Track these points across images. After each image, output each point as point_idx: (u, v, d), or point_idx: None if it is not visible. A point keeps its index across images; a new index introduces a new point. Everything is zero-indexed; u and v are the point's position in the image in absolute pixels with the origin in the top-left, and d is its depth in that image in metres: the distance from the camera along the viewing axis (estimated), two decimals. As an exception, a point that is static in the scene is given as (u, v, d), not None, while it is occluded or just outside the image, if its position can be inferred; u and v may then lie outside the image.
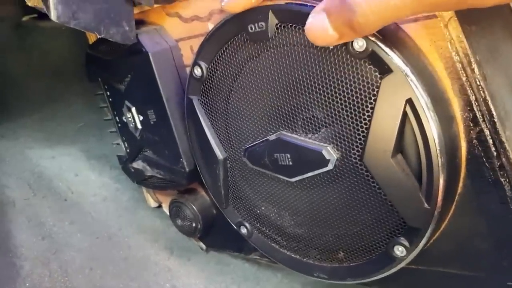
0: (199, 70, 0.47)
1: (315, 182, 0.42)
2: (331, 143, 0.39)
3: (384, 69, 0.33)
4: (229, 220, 0.54)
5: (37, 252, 0.67)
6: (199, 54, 0.46)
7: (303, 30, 0.36)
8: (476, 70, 0.34)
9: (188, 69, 0.51)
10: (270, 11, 0.38)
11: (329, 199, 0.42)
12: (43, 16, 0.47)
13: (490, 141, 0.35)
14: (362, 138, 0.36)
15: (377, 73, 0.34)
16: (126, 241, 0.72)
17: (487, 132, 0.35)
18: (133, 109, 0.59)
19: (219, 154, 0.49)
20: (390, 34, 0.34)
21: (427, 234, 0.37)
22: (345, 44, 0.34)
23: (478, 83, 0.34)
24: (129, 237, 0.73)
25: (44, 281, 0.63)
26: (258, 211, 0.50)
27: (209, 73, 0.46)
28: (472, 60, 0.34)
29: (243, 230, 0.52)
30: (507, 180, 0.36)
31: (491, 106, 0.34)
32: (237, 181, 0.50)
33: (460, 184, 0.38)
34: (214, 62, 0.45)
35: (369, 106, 0.35)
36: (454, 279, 0.41)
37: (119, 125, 0.64)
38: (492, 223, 0.37)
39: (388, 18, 0.26)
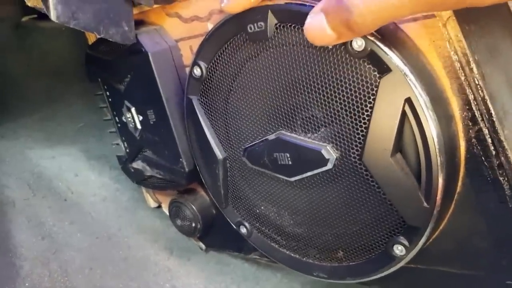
0: (199, 70, 0.47)
1: (315, 182, 0.42)
2: (331, 142, 0.39)
3: (383, 69, 0.34)
4: (228, 220, 0.54)
5: (37, 252, 0.67)
6: (199, 54, 0.46)
7: (303, 30, 0.36)
8: (474, 69, 0.34)
9: (187, 69, 0.51)
10: (269, 11, 0.38)
11: (329, 198, 0.42)
12: (43, 16, 0.47)
13: (489, 140, 0.35)
14: (361, 138, 0.36)
15: (376, 73, 0.34)
16: (125, 241, 0.72)
17: (486, 131, 0.35)
18: (133, 109, 0.59)
19: (219, 154, 0.49)
20: (389, 34, 0.34)
21: (427, 233, 0.37)
22: (344, 43, 0.34)
23: (476, 82, 0.34)
24: (128, 237, 0.73)
25: (43, 281, 0.63)
26: (257, 211, 0.50)
27: (208, 73, 0.46)
28: (471, 59, 0.34)
29: (243, 230, 0.52)
30: (506, 179, 0.36)
31: (490, 105, 0.35)
32: (236, 180, 0.50)
33: (459, 183, 0.38)
34: (213, 62, 0.45)
35: (368, 105, 0.35)
36: (454, 278, 0.41)
37: (119, 125, 0.64)
38: (491, 222, 0.38)
39: (386, 18, 0.26)
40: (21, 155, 0.83)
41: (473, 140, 0.36)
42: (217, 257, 0.72)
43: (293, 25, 0.37)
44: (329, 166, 0.39)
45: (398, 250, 0.39)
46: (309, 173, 0.41)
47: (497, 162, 0.35)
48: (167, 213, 0.71)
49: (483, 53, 0.35)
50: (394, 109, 0.34)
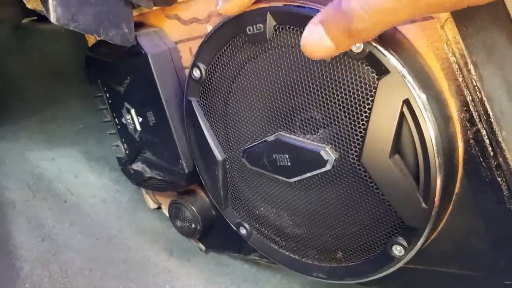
0: (198, 71, 0.47)
1: (314, 183, 0.42)
2: (329, 143, 0.39)
3: (381, 70, 0.34)
4: (228, 221, 0.54)
5: (37, 253, 0.67)
6: (198, 56, 0.46)
7: (301, 32, 0.36)
8: (472, 71, 0.34)
9: (187, 71, 0.51)
10: (268, 13, 0.38)
11: (328, 199, 0.42)
12: (43, 18, 0.47)
13: (487, 141, 0.35)
14: (360, 139, 0.37)
15: (374, 74, 0.34)
16: (125, 243, 0.73)
17: (483, 132, 0.35)
18: (133, 111, 0.59)
19: (218, 155, 0.50)
20: (387, 36, 0.34)
21: (425, 234, 0.37)
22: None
23: (474, 83, 0.35)
24: (128, 238, 0.73)
25: (44, 282, 0.64)
26: (257, 212, 0.50)
27: (207, 75, 0.47)
28: (469, 61, 0.34)
29: (242, 231, 0.53)
30: (504, 179, 0.36)
31: (488, 107, 0.35)
32: (236, 182, 0.50)
33: (458, 184, 0.38)
34: (212, 63, 0.46)
35: (367, 107, 0.35)
36: (452, 278, 0.41)
37: (119, 127, 0.64)
38: (489, 222, 0.38)
39: (386, 22, 0.26)
40: (21, 156, 0.83)
41: (471, 141, 0.36)
42: (217, 258, 0.72)
43: (291, 27, 0.37)
44: (328, 167, 0.39)
45: (397, 250, 0.39)
46: (308, 174, 0.41)
47: (495, 163, 0.36)
48: (167, 214, 0.71)
49: (480, 55, 0.35)
50: (392, 111, 0.34)
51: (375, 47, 0.33)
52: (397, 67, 0.33)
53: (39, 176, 0.80)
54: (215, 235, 0.67)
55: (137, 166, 0.64)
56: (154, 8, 0.54)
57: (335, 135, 0.38)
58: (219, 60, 0.45)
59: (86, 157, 0.87)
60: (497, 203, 0.37)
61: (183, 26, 0.53)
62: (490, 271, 0.39)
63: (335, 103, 0.37)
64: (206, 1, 0.49)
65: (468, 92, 0.35)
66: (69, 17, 0.44)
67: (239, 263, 0.70)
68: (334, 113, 0.38)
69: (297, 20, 0.37)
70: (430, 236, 0.39)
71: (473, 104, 0.35)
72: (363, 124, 0.36)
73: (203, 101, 0.49)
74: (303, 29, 0.36)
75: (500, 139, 0.35)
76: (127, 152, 0.65)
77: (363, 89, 0.35)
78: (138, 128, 0.60)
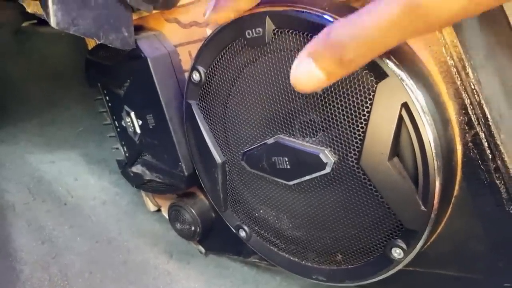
0: (198, 75, 0.47)
1: (313, 185, 0.42)
2: (329, 146, 0.39)
3: (380, 74, 0.34)
4: (227, 224, 0.54)
5: (37, 256, 0.67)
6: (198, 59, 0.47)
7: (300, 36, 0.37)
8: (470, 74, 0.35)
9: (186, 74, 0.52)
10: (267, 17, 0.38)
11: (327, 202, 0.42)
12: (43, 21, 0.47)
13: (486, 144, 0.36)
14: (359, 142, 0.37)
15: (372, 78, 0.34)
16: (125, 245, 0.73)
17: (482, 135, 0.35)
18: (132, 114, 0.59)
19: (218, 158, 0.50)
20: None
21: (424, 236, 0.37)
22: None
23: (472, 87, 0.35)
24: (128, 241, 0.73)
25: (44, 285, 0.64)
26: (256, 214, 0.50)
27: (207, 78, 0.47)
28: (467, 64, 0.35)
29: (242, 233, 0.53)
30: (503, 182, 0.36)
31: (486, 110, 0.35)
32: (235, 184, 0.50)
33: (456, 187, 0.38)
34: (212, 67, 0.46)
35: (366, 110, 0.35)
36: (451, 280, 0.41)
37: (118, 129, 0.64)
38: (488, 225, 0.38)
39: (376, 50, 0.26)
40: (21, 159, 0.83)
41: (470, 144, 0.36)
42: (216, 260, 0.72)
43: (290, 31, 0.38)
44: (327, 170, 0.40)
45: (396, 253, 0.39)
46: (307, 177, 0.42)
47: (494, 165, 0.36)
48: (167, 217, 0.71)
49: (479, 58, 0.36)
50: (391, 114, 0.34)
51: (374, 50, 0.34)
52: (395, 70, 0.33)
53: (39, 179, 0.80)
54: (215, 238, 0.67)
55: (137, 168, 0.64)
56: (154, 11, 0.54)
57: (334, 138, 0.38)
58: (219, 63, 0.45)
59: (86, 159, 0.87)
60: (496, 206, 0.37)
61: (183, 30, 0.54)
62: (489, 273, 0.39)
63: (334, 106, 0.37)
64: (205, 5, 0.49)
65: (466, 95, 0.35)
66: (69, 21, 0.44)
67: (239, 266, 0.70)
68: (333, 116, 0.38)
69: (296, 24, 0.37)
70: (429, 239, 0.39)
71: (471, 107, 0.35)
72: (362, 127, 0.36)
73: (202, 104, 0.49)
74: (302, 33, 0.36)
75: (498, 142, 0.35)
76: (127, 154, 0.65)
77: (361, 93, 0.35)
78: (138, 131, 0.60)
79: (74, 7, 0.44)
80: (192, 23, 0.52)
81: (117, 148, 0.67)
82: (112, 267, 0.69)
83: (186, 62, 0.55)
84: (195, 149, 0.52)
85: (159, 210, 0.78)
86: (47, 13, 0.42)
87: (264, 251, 0.52)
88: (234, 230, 0.54)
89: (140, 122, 0.59)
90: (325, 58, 0.27)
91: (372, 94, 0.35)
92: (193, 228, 0.65)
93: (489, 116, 0.35)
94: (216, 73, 0.46)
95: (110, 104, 0.63)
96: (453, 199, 0.38)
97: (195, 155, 0.53)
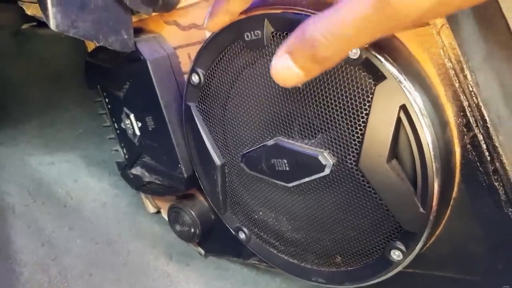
0: (197, 77, 0.47)
1: (312, 187, 0.42)
2: (327, 148, 0.39)
3: (378, 76, 0.34)
4: (227, 226, 0.54)
5: (37, 258, 0.67)
6: (197, 62, 0.47)
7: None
8: (468, 76, 0.35)
9: (186, 76, 0.52)
10: (265, 19, 0.38)
11: (326, 204, 0.42)
12: (43, 24, 0.47)
13: (484, 146, 0.36)
14: (358, 144, 0.37)
15: (371, 80, 0.35)
16: (125, 247, 0.73)
17: (480, 137, 0.36)
18: (132, 116, 0.59)
19: (217, 160, 0.50)
20: (383, 42, 0.35)
21: (423, 238, 0.37)
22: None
23: (471, 89, 0.35)
24: (128, 242, 0.73)
25: (43, 287, 0.64)
26: (256, 216, 0.50)
27: (206, 80, 0.47)
28: (465, 66, 0.35)
29: (241, 235, 0.53)
30: (501, 184, 0.36)
31: (484, 112, 0.35)
32: (235, 186, 0.50)
33: (455, 189, 0.38)
34: (211, 69, 0.46)
35: (364, 112, 0.35)
36: (450, 282, 0.41)
37: (118, 131, 0.64)
38: (486, 227, 0.38)
39: (349, 47, 0.26)
40: (21, 161, 0.83)
41: (468, 146, 0.36)
42: (216, 262, 0.72)
43: (289, 33, 0.38)
44: (326, 172, 0.40)
45: (395, 255, 0.39)
46: (306, 179, 0.42)
47: (492, 167, 0.36)
48: (166, 219, 0.71)
49: (477, 60, 0.36)
50: (390, 116, 0.34)
51: (372, 53, 0.34)
52: (393, 73, 0.33)
53: (39, 181, 0.80)
54: (214, 239, 0.67)
55: (137, 170, 0.64)
56: (153, 14, 0.54)
57: (333, 140, 0.38)
58: (218, 65, 0.45)
59: (86, 161, 0.87)
60: (495, 208, 0.37)
61: (182, 32, 0.54)
62: (488, 275, 0.39)
63: (333, 108, 0.37)
64: (205, 7, 0.50)
65: (464, 97, 0.35)
66: (68, 23, 0.44)
67: (239, 267, 0.70)
68: (332, 118, 0.38)
69: (294, 27, 0.36)
70: (428, 241, 0.39)
71: (469, 109, 0.35)
72: (360, 130, 0.36)
73: (201, 106, 0.49)
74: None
75: (497, 144, 0.35)
76: (127, 156, 0.65)
77: (360, 95, 0.35)
78: (137, 133, 0.60)
79: (74, 10, 0.44)
80: (191, 26, 0.52)
81: (116, 150, 0.67)
82: (111, 269, 0.69)
83: (186, 64, 0.55)
84: (195, 151, 0.52)
85: (158, 212, 0.78)
86: (47, 16, 0.42)
87: (264, 253, 0.52)
88: (233, 232, 0.54)
89: (140, 124, 0.59)
90: (300, 55, 0.27)
91: (370, 96, 0.35)
92: (192, 230, 0.65)
93: (487, 118, 0.35)
94: (215, 75, 0.46)
95: (109, 106, 0.63)
96: (451, 201, 0.38)
97: (195, 157, 0.53)
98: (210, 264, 0.72)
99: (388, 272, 0.41)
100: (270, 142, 0.43)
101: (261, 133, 0.44)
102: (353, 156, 0.38)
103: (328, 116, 0.38)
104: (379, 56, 0.34)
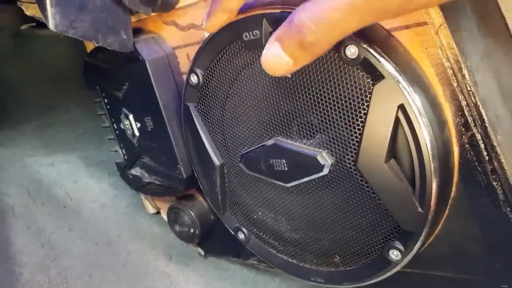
0: (196, 77, 0.47)
1: (311, 187, 0.42)
2: (326, 148, 0.39)
3: (376, 76, 0.34)
4: (226, 226, 0.54)
5: (37, 259, 0.67)
6: (196, 62, 0.47)
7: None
8: (467, 76, 0.35)
9: (184, 77, 0.52)
10: (264, 19, 0.38)
11: (325, 204, 0.42)
12: (42, 24, 0.47)
13: (482, 146, 0.36)
14: (356, 144, 0.37)
15: (369, 80, 0.35)
16: (125, 247, 0.73)
17: (478, 136, 0.36)
18: (131, 116, 0.59)
19: (216, 160, 0.50)
20: (381, 41, 0.35)
21: (421, 238, 0.37)
22: (338, 51, 0.35)
23: (469, 88, 0.35)
24: (128, 243, 0.73)
25: (43, 288, 0.64)
26: (255, 217, 0.50)
27: (205, 80, 0.47)
28: (463, 66, 0.35)
29: (241, 236, 0.53)
30: (499, 184, 0.36)
31: (482, 111, 0.35)
32: (234, 186, 0.50)
33: (453, 188, 0.38)
34: (210, 69, 0.46)
35: (362, 112, 0.35)
36: (449, 282, 0.42)
37: (117, 132, 0.64)
38: (485, 226, 0.38)
39: (336, 34, 0.26)
40: (20, 162, 0.83)
41: (466, 145, 0.36)
42: (215, 262, 0.72)
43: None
44: (325, 172, 0.40)
45: (394, 255, 0.39)
46: (305, 179, 0.42)
47: (490, 167, 0.36)
48: (166, 219, 0.71)
49: (475, 60, 0.36)
50: (388, 116, 0.34)
51: (370, 52, 0.34)
52: (391, 72, 0.34)
53: (39, 182, 0.80)
54: (214, 240, 0.67)
55: (136, 171, 0.64)
56: (152, 14, 0.54)
57: (331, 140, 0.39)
58: (217, 65, 0.45)
59: (85, 162, 0.87)
60: (493, 207, 0.37)
61: (181, 32, 0.54)
62: (487, 274, 0.39)
63: (331, 108, 0.37)
64: (203, 7, 0.50)
65: (462, 97, 0.35)
66: (67, 24, 0.44)
67: (238, 268, 0.70)
68: (331, 118, 0.38)
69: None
70: (426, 240, 0.39)
71: (468, 109, 0.35)
72: (359, 129, 0.36)
73: (200, 107, 0.49)
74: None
75: (495, 143, 0.35)
76: (126, 157, 0.65)
77: (358, 95, 0.35)
78: (137, 133, 0.60)
79: (73, 10, 0.44)
80: (190, 26, 0.52)
81: (116, 151, 0.67)
82: (111, 270, 0.69)
83: (184, 65, 0.55)
84: (194, 152, 0.52)
85: (158, 213, 0.78)
86: (46, 16, 0.42)
87: (263, 253, 0.52)
88: (232, 232, 0.54)
89: (139, 124, 0.59)
90: (288, 41, 0.27)
91: (369, 96, 0.35)
92: (192, 231, 0.65)
93: (485, 118, 0.35)
94: (214, 75, 0.46)
95: (108, 107, 0.64)
96: (450, 200, 0.39)
97: (194, 158, 0.53)
98: (209, 264, 0.72)
99: (386, 272, 0.41)
100: (269, 142, 0.43)
101: (260, 133, 0.44)
102: (352, 156, 0.38)
103: (326, 116, 0.38)
104: (377, 56, 0.34)
